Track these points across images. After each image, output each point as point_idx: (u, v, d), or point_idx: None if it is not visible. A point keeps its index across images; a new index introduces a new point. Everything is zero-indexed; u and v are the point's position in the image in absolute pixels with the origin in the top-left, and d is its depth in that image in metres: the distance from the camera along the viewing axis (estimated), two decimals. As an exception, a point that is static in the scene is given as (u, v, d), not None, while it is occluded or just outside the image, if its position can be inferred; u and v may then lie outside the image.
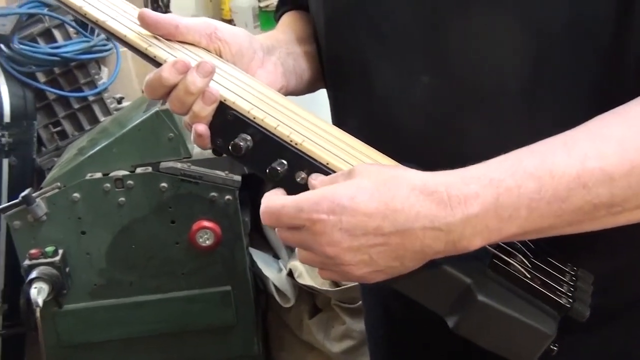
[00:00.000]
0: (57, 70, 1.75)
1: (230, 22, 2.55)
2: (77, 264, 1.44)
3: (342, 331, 1.65)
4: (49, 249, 1.41)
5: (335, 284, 1.60)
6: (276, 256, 1.72)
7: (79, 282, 1.46)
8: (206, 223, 1.42)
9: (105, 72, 1.86)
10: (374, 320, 0.97)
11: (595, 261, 0.67)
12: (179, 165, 1.41)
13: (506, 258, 0.61)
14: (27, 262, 1.39)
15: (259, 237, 1.74)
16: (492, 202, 0.55)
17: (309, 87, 0.85)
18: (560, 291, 0.60)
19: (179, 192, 1.42)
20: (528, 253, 0.62)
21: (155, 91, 0.65)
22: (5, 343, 1.71)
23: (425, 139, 0.70)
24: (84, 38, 1.76)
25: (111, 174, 1.42)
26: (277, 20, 0.92)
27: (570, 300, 0.60)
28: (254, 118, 0.62)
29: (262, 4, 2.42)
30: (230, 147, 0.63)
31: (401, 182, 0.56)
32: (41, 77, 1.73)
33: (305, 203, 0.57)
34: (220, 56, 0.71)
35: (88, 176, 1.42)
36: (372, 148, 0.67)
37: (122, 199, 1.41)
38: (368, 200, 0.56)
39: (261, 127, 0.62)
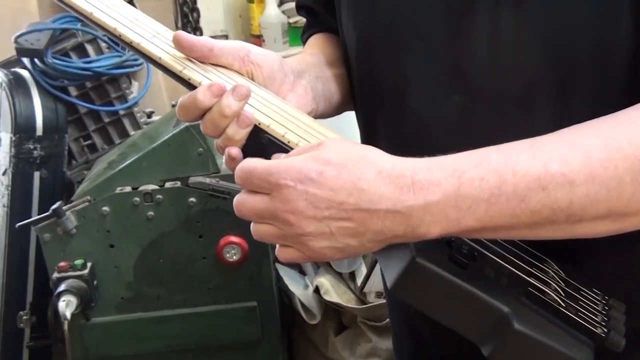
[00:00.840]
0: (88, 84, 1.77)
1: (259, 37, 2.56)
2: (105, 277, 1.45)
3: (368, 349, 1.64)
4: (78, 262, 1.42)
5: (362, 301, 1.59)
6: (302, 272, 1.71)
7: (107, 295, 1.47)
8: (233, 238, 1.42)
9: (135, 87, 1.88)
10: (400, 339, 0.96)
11: (624, 286, 0.66)
12: (207, 180, 1.42)
13: (542, 286, 0.60)
14: (56, 275, 1.40)
15: (286, 253, 1.74)
16: (453, 191, 0.56)
17: (337, 110, 0.85)
18: (595, 320, 0.59)
19: (207, 207, 1.42)
20: (561, 282, 0.62)
21: (189, 113, 0.65)
22: (32, 355, 1.73)
23: None
24: (116, 53, 1.79)
25: (140, 188, 1.43)
26: (303, 42, 0.92)
27: (606, 329, 0.59)
28: (288, 142, 0.63)
29: (292, 20, 2.43)
30: None
31: (370, 162, 0.57)
32: (73, 91, 1.76)
33: (275, 169, 0.58)
34: (252, 79, 0.71)
35: (117, 190, 1.43)
36: None
37: (151, 213, 1.41)
38: (336, 177, 0.57)
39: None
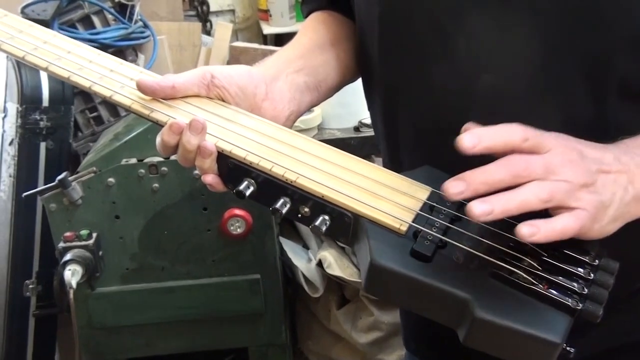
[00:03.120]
0: (95, 56, 1.77)
1: (266, 12, 2.55)
2: (111, 248, 1.47)
3: (370, 322, 1.66)
4: (84, 232, 1.43)
5: (364, 275, 1.60)
6: (306, 246, 1.72)
7: (112, 266, 1.48)
8: (237, 211, 1.43)
9: (142, 59, 1.88)
10: (407, 313, 0.96)
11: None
12: (212, 153, 1.42)
13: (510, 266, 0.59)
14: (61, 245, 1.41)
15: (289, 227, 1.75)
16: None
17: (333, 92, 0.85)
18: (572, 290, 0.58)
19: (212, 180, 1.43)
20: (541, 252, 0.60)
21: (164, 151, 0.68)
22: (38, 323, 1.75)
23: None
24: (122, 25, 1.79)
25: (146, 160, 1.43)
26: (304, 14, 0.92)
27: (582, 299, 0.57)
28: (250, 163, 0.66)
29: (299, -5, 2.42)
30: (235, 194, 0.66)
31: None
32: (79, 63, 1.75)
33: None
34: (223, 100, 0.73)
35: (123, 161, 1.43)
36: (377, 168, 0.67)
37: (156, 185, 1.42)
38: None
39: (258, 170, 0.65)
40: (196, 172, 1.33)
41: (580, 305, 0.57)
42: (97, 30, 1.76)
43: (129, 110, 0.70)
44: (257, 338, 1.57)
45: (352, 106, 1.69)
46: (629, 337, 0.78)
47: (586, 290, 0.58)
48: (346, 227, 0.63)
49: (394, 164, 0.81)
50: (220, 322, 1.55)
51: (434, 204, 0.63)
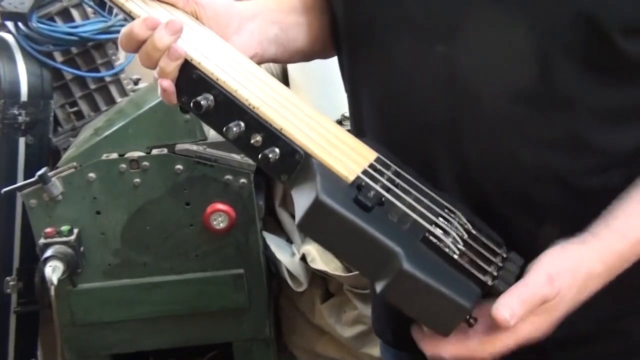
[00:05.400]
0: (74, 50, 1.75)
1: None
2: (92, 244, 1.45)
3: (354, 316, 1.66)
4: (64, 228, 1.42)
5: (348, 269, 1.60)
6: (289, 240, 1.72)
7: (94, 262, 1.47)
8: (220, 206, 1.42)
9: (122, 53, 1.86)
10: (378, 308, 0.97)
11: None
12: (194, 147, 1.42)
13: (439, 235, 0.65)
14: (42, 241, 1.40)
15: (273, 221, 1.74)
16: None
17: (301, 57, 0.87)
18: (486, 270, 0.65)
19: (194, 175, 1.42)
20: (465, 233, 0.67)
21: (127, 44, 0.69)
22: (20, 320, 1.73)
23: (442, 111, 0.73)
24: (102, 18, 1.76)
25: (127, 155, 1.42)
26: None
27: (494, 279, 0.65)
28: (217, 79, 0.66)
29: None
30: (192, 104, 0.66)
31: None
32: (58, 57, 1.73)
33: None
34: (197, 18, 0.74)
35: (104, 156, 1.42)
36: (335, 124, 0.70)
37: (138, 180, 1.41)
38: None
39: (223, 88, 0.66)
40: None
41: (491, 283, 0.64)
42: (76, 24, 1.73)
43: None
44: (241, 333, 1.57)
45: (334, 99, 1.69)
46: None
47: (496, 273, 0.65)
48: (294, 164, 0.65)
49: (358, 131, 0.84)
50: (204, 317, 1.54)
51: (379, 167, 0.68)
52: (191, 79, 0.66)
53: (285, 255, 1.64)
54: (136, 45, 0.68)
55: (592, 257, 0.68)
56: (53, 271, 1.35)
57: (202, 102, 0.65)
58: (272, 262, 1.64)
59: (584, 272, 0.67)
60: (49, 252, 1.38)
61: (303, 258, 1.62)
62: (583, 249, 0.68)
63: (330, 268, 1.59)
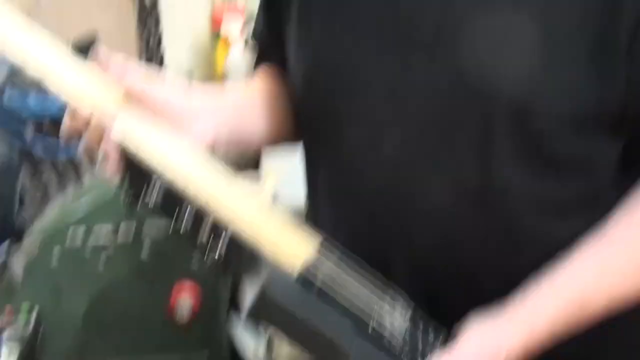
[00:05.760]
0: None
1: (223, 78, 2.55)
2: (53, 327, 1.41)
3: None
4: (24, 309, 1.37)
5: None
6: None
7: (53, 346, 1.42)
8: (185, 291, 1.40)
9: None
10: None
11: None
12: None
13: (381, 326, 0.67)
14: (-1, 324, 1.35)
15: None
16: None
17: (267, 143, 0.89)
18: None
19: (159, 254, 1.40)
20: (406, 323, 0.70)
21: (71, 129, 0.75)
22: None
23: (391, 194, 0.74)
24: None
25: (90, 241, 1.40)
26: (254, 67, 0.94)
27: None
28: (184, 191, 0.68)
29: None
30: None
31: None
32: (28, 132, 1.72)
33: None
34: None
35: (69, 236, 1.39)
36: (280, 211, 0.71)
37: (101, 265, 1.39)
38: None
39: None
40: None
41: None
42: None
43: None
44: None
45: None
46: None
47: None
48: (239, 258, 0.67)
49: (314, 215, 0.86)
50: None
51: (325, 253, 0.69)
52: (138, 171, 0.68)
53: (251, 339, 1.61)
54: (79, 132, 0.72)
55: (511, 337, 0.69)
56: (9, 354, 1.32)
57: (148, 198, 0.68)
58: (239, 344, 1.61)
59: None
60: (5, 335, 1.33)
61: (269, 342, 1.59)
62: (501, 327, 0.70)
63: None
